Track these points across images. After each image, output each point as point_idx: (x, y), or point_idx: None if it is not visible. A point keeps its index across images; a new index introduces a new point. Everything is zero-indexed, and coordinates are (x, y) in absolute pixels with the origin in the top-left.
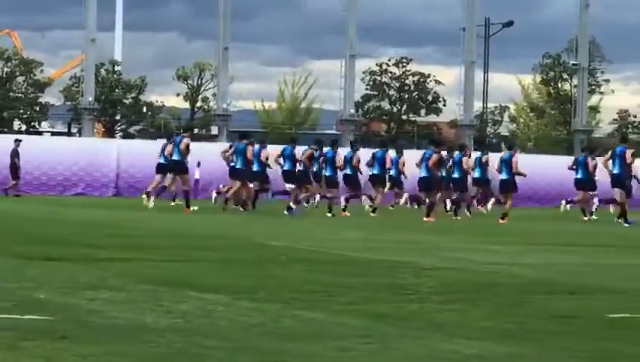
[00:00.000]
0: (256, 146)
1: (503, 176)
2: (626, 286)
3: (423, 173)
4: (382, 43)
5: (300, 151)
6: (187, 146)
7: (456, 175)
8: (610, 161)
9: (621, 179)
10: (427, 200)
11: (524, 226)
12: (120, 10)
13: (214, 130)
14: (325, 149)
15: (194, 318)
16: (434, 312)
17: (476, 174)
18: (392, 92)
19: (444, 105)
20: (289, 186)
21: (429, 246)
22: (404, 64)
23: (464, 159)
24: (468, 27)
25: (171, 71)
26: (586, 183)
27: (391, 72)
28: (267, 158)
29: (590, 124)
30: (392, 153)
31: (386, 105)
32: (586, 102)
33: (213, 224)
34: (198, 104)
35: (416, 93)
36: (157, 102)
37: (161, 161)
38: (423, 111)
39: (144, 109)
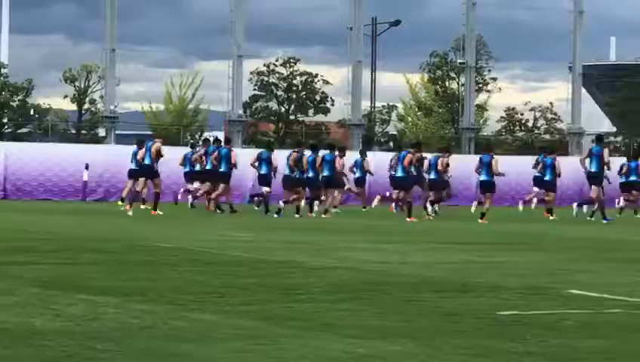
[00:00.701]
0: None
1: (483, 177)
2: (514, 284)
3: (399, 173)
4: (270, 43)
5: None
6: (158, 151)
7: (432, 176)
8: (588, 160)
9: (598, 177)
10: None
11: (420, 226)
12: (6, 12)
13: (102, 132)
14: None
15: (84, 321)
16: (324, 312)
17: (432, 176)
18: (279, 92)
19: (332, 104)
20: (265, 189)
21: (319, 247)
22: (292, 64)
23: (440, 160)
24: (355, 26)
25: (58, 73)
26: (550, 183)
27: (279, 73)
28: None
29: (478, 123)
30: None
31: (274, 105)
32: (474, 100)
33: (105, 227)
34: (86, 106)
35: (304, 93)
36: (44, 104)
37: (133, 166)
38: (311, 111)
39: (31, 112)
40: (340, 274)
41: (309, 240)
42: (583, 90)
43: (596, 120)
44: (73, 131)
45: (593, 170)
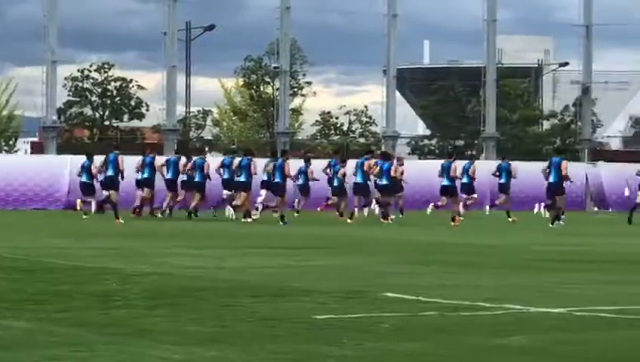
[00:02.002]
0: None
1: (465, 180)
2: (330, 287)
3: (359, 180)
4: (84, 49)
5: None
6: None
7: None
8: (548, 171)
9: (559, 187)
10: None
11: (255, 230)
12: None
13: None
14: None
15: None
16: (141, 318)
17: (357, 179)
18: (94, 98)
19: (147, 110)
20: (226, 193)
21: (134, 253)
22: (106, 70)
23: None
24: (169, 31)
25: None
26: (506, 187)
27: (93, 78)
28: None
29: (293, 127)
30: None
31: (88, 111)
32: (288, 104)
33: None
34: None
35: (118, 98)
36: None
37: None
38: (126, 117)
39: None
40: (156, 280)
41: (125, 246)
42: (398, 94)
43: (411, 123)
44: None
45: (552, 180)
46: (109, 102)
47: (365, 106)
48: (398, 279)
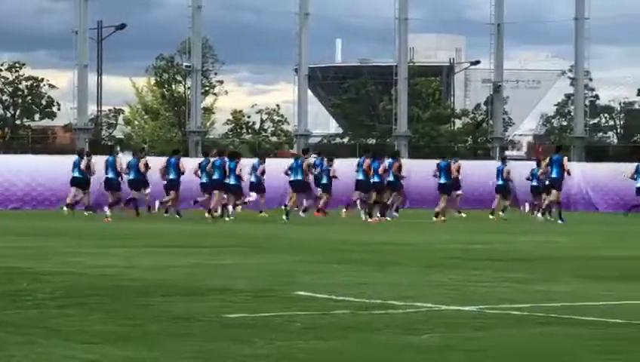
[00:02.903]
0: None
1: (442, 180)
2: (242, 286)
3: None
4: None
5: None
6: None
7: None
8: (550, 168)
9: (559, 182)
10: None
11: (146, 229)
12: None
13: None
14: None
15: None
16: (52, 318)
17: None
18: (5, 97)
19: (59, 109)
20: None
21: (46, 251)
22: (17, 69)
23: (395, 164)
24: (80, 30)
25: None
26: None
27: (4, 77)
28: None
29: (205, 126)
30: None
31: None
32: (200, 103)
33: None
34: None
35: (29, 97)
36: None
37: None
38: (37, 116)
39: None
40: (67, 280)
41: (35, 245)
42: (310, 93)
43: (323, 122)
44: None
45: (554, 176)
46: (20, 101)
47: (277, 105)
48: (311, 278)
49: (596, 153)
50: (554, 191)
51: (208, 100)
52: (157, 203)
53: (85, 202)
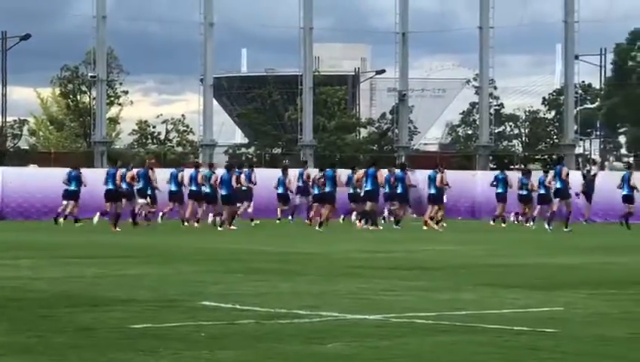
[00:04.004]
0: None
1: (432, 190)
2: (146, 297)
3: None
4: None
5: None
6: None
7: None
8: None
9: (565, 192)
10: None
11: (50, 240)
12: None
13: None
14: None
15: None
16: None
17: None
18: None
19: None
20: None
21: None
22: None
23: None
24: None
25: None
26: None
27: None
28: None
29: (110, 136)
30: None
31: None
32: (105, 114)
33: None
34: None
35: None
36: None
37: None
38: None
39: None
40: None
41: None
42: (215, 102)
43: (229, 131)
44: None
45: (558, 186)
46: None
47: (182, 115)
48: (216, 288)
49: (501, 161)
50: (555, 200)
51: (113, 111)
52: (210, 216)
53: (75, 213)
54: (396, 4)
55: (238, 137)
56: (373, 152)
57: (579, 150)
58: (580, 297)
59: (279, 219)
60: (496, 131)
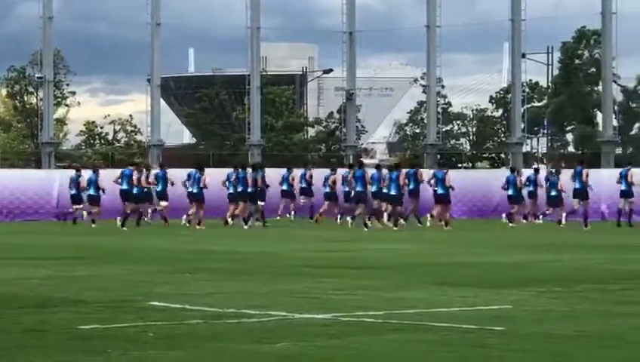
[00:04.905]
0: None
1: (440, 190)
2: (95, 297)
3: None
4: None
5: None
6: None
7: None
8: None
9: (583, 192)
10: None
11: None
12: None
13: None
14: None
15: None
16: None
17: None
18: None
19: None
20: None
21: None
22: None
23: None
24: None
25: None
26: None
27: None
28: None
29: (58, 137)
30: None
31: None
32: (53, 114)
33: None
34: None
35: None
36: None
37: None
38: None
39: None
40: None
41: None
42: (163, 103)
43: (177, 131)
44: None
45: (577, 186)
46: None
47: (130, 115)
48: (165, 288)
49: (449, 160)
50: (574, 200)
51: (61, 111)
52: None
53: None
54: (343, 3)
55: (186, 137)
56: (320, 151)
57: (526, 148)
58: (527, 295)
59: (288, 215)
60: (443, 130)
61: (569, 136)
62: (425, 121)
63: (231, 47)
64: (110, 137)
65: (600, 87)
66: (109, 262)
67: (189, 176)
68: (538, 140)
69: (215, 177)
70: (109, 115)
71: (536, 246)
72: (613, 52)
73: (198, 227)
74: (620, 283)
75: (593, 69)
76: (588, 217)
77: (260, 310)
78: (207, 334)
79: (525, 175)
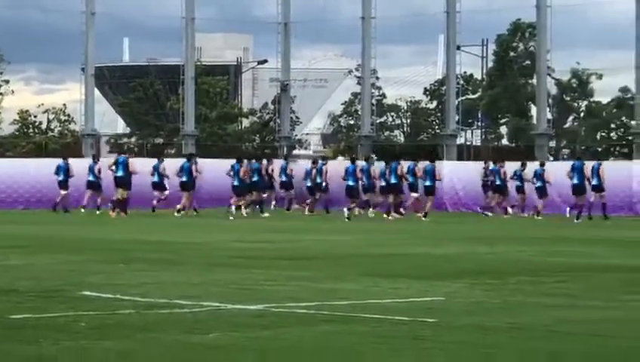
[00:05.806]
0: None
1: (427, 182)
2: (27, 287)
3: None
4: None
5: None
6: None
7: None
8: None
9: (581, 188)
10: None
11: None
12: None
13: None
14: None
15: None
16: None
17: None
18: None
19: None
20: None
21: None
22: None
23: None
24: None
25: None
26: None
27: None
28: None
29: None
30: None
31: None
32: None
33: None
34: None
35: None
36: None
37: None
38: None
39: None
40: None
41: None
42: (97, 92)
43: (111, 121)
44: None
45: (576, 182)
46: None
47: (64, 104)
48: (97, 278)
49: (383, 152)
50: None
51: None
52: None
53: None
54: None
55: (120, 127)
56: (255, 142)
57: (460, 140)
58: (460, 287)
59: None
60: (378, 121)
61: (503, 129)
62: (359, 113)
63: (166, 37)
64: (44, 126)
65: (534, 80)
66: (43, 251)
67: (181, 167)
68: (472, 133)
69: (147, 167)
70: (42, 104)
71: (471, 239)
72: (548, 45)
73: (177, 214)
74: (552, 276)
75: (528, 62)
76: (606, 210)
77: (192, 300)
78: (139, 324)
79: (511, 170)
